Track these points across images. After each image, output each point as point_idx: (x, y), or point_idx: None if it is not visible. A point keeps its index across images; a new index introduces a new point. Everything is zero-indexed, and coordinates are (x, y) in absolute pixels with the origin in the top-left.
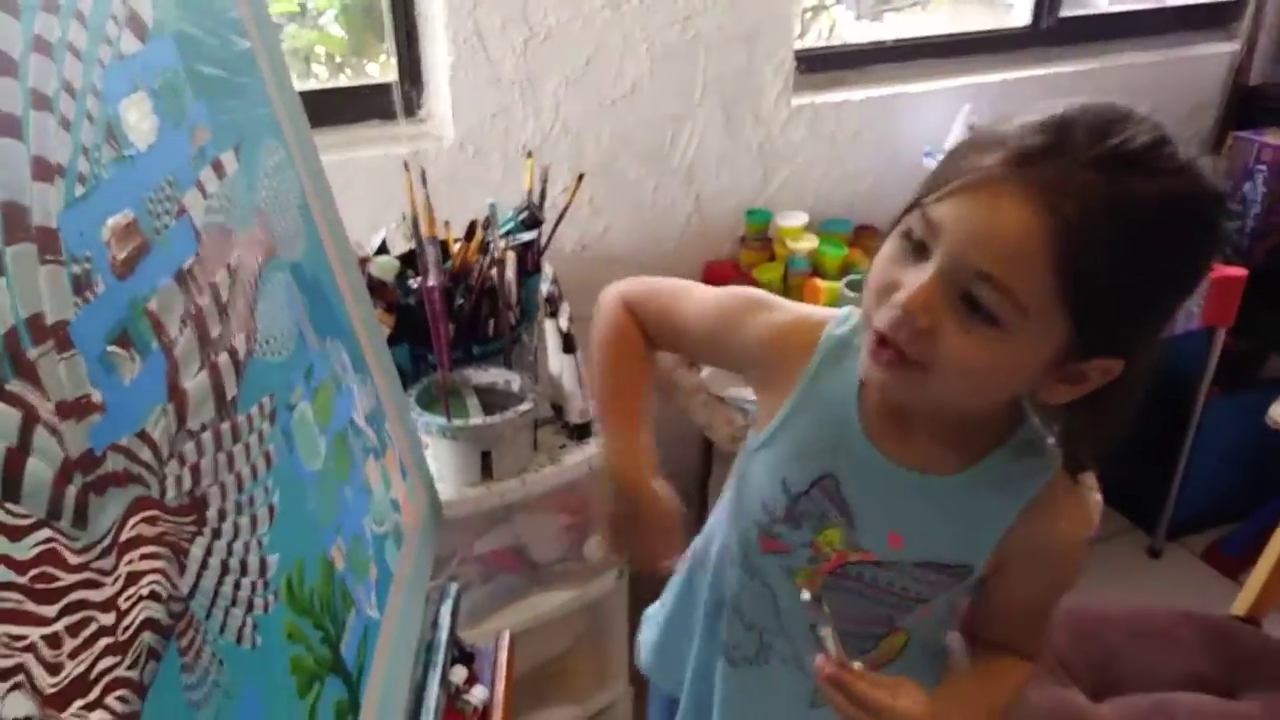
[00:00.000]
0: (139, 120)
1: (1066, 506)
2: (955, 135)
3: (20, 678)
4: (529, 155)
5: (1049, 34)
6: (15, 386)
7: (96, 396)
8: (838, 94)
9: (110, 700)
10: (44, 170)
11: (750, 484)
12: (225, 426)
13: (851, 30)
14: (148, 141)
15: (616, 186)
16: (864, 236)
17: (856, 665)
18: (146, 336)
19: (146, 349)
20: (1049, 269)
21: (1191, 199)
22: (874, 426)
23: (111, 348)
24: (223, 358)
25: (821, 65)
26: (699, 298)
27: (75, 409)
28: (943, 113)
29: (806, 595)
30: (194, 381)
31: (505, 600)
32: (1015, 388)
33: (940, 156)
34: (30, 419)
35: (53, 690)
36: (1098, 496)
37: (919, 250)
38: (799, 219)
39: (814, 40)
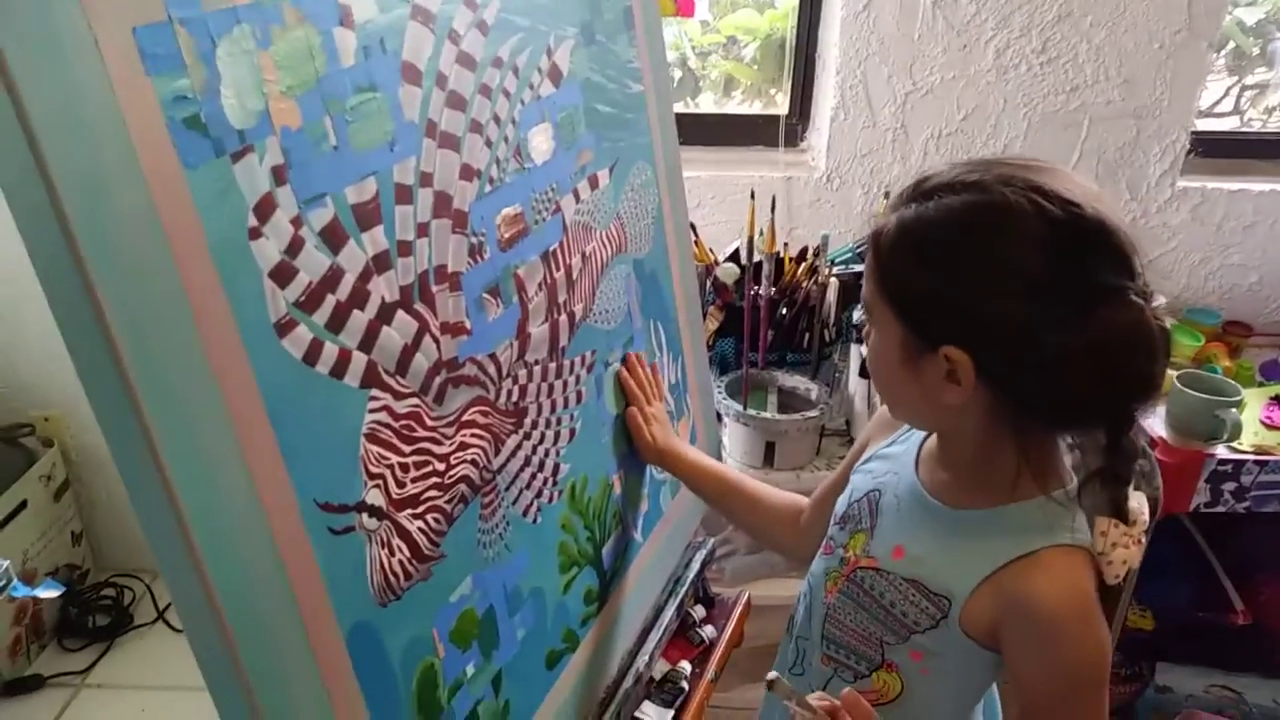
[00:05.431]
0: (541, 143)
1: (1055, 571)
2: None
3: (380, 482)
4: (886, 195)
5: None
6: (419, 307)
7: (468, 324)
8: (1235, 182)
9: (428, 517)
10: (468, 173)
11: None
12: (552, 365)
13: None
14: (543, 158)
15: None
16: (1232, 333)
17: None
18: (511, 292)
19: (509, 300)
20: (874, 273)
21: (966, 208)
22: (923, 459)
23: (485, 295)
24: (563, 318)
25: (1225, 151)
26: None
27: (452, 329)
28: None
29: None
30: (537, 329)
31: (765, 573)
32: (904, 380)
33: None
34: (423, 329)
35: (396, 497)
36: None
37: None
38: (1155, 301)
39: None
